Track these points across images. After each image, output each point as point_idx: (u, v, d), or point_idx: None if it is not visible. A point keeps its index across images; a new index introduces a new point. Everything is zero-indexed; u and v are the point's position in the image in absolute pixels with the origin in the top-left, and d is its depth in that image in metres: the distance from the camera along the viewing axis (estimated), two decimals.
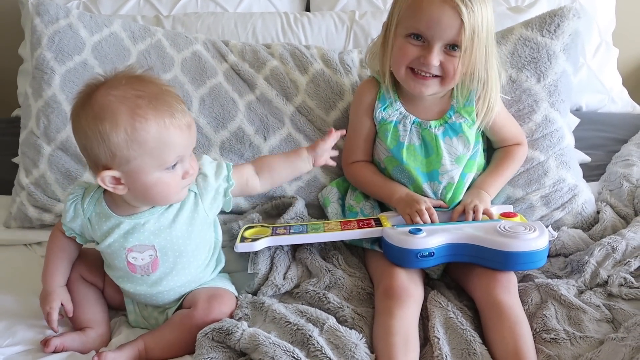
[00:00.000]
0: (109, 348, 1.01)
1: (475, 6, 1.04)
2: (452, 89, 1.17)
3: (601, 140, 1.58)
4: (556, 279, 1.11)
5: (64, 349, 0.99)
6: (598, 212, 1.28)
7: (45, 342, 0.99)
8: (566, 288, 1.07)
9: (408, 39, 1.09)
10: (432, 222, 1.10)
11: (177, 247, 1.01)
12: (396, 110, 1.19)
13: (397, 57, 1.12)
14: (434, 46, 1.07)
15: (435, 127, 1.17)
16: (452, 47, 1.07)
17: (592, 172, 1.44)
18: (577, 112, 1.70)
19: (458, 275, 1.13)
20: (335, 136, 1.12)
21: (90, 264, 1.11)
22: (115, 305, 1.12)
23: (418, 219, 1.10)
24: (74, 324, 1.06)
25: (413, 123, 1.18)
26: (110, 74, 0.94)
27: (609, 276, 1.10)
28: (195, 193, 1.02)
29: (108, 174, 0.91)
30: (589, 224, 1.27)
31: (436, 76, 1.11)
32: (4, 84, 2.11)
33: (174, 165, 0.93)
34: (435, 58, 1.07)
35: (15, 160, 1.55)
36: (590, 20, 1.74)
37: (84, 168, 1.32)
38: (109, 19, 1.43)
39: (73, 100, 0.94)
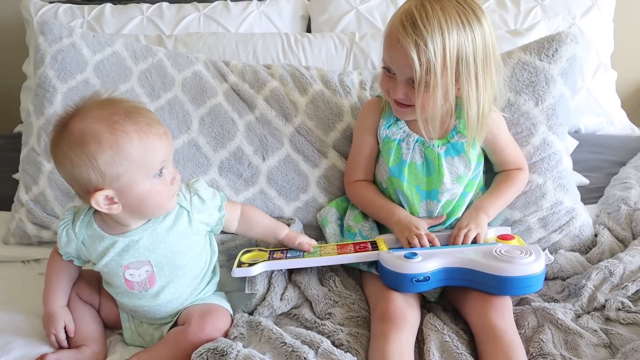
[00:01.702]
0: None
1: (431, 38, 1.02)
2: (457, 109, 1.16)
3: (600, 163, 1.59)
4: (553, 303, 1.10)
5: None
6: (596, 235, 1.28)
7: (41, 358, 0.99)
8: (563, 312, 1.06)
9: (384, 69, 1.13)
10: (433, 245, 1.10)
11: (172, 261, 1.03)
12: (400, 128, 1.21)
13: (380, 84, 1.17)
14: (398, 80, 1.10)
15: (438, 146, 1.18)
16: (413, 81, 1.08)
17: (590, 195, 1.44)
18: (576, 134, 1.71)
19: (453, 299, 1.13)
20: (305, 248, 1.15)
21: (86, 283, 1.12)
22: (111, 324, 1.13)
23: (416, 242, 1.11)
24: (70, 341, 1.06)
25: (416, 141, 1.19)
26: (78, 102, 0.96)
27: (606, 300, 1.09)
28: (188, 211, 1.04)
29: (101, 195, 0.93)
30: (586, 247, 1.26)
31: (411, 105, 1.12)
32: (7, 100, 2.14)
33: (161, 171, 0.96)
34: (399, 91, 1.10)
35: (15, 176, 1.56)
36: (589, 43, 1.76)
37: None
38: (111, 38, 1.44)
39: (49, 135, 0.97)
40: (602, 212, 1.37)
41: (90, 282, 1.13)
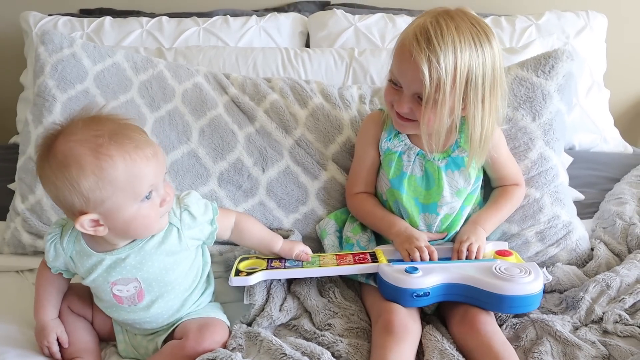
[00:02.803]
0: None
1: (444, 56, 1.03)
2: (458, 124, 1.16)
3: (594, 179, 1.60)
4: (551, 315, 1.11)
5: None
6: (592, 249, 1.29)
7: None
8: (561, 324, 1.07)
9: (390, 82, 1.14)
10: (432, 259, 1.10)
11: (160, 277, 1.01)
12: (401, 141, 1.22)
13: (384, 95, 1.17)
14: (405, 94, 1.10)
15: (439, 160, 1.19)
16: (420, 96, 1.09)
17: (585, 210, 1.46)
18: (570, 150, 1.73)
19: (445, 315, 1.12)
20: (304, 258, 1.14)
21: (78, 296, 1.11)
22: (105, 336, 1.12)
23: (417, 255, 1.11)
24: (64, 354, 1.05)
25: (417, 154, 1.20)
26: (65, 120, 0.93)
27: (604, 313, 1.10)
28: (178, 229, 1.01)
29: (86, 219, 0.90)
30: (583, 261, 1.28)
31: (414, 120, 1.13)
32: (2, 111, 2.13)
33: (150, 194, 0.93)
34: (405, 105, 1.11)
35: (12, 186, 1.55)
36: (582, 62, 1.79)
37: None
38: (112, 49, 1.45)
39: (35, 154, 0.93)
40: (597, 227, 1.38)
41: (82, 295, 1.11)
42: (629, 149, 1.83)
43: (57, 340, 1.04)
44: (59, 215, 1.31)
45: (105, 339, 1.12)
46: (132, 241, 0.99)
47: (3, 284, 1.24)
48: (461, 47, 1.04)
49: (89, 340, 1.08)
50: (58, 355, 1.04)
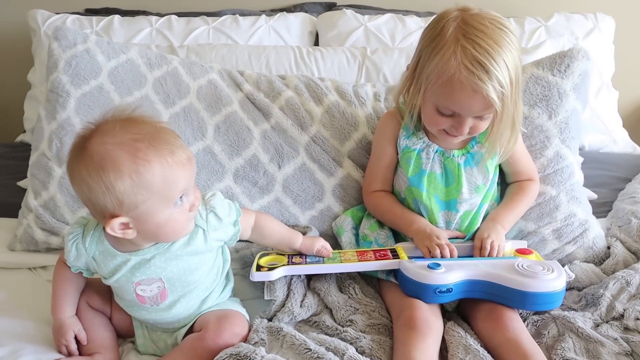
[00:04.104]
0: None
1: (501, 73, 1.02)
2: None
3: (605, 179, 1.61)
4: (572, 312, 1.10)
5: None
6: (608, 248, 1.29)
7: None
8: (583, 321, 1.07)
9: (439, 111, 1.10)
10: (452, 257, 1.10)
11: (184, 277, 1.00)
12: (420, 139, 1.21)
13: (429, 123, 1.14)
14: (465, 119, 1.09)
15: (458, 156, 1.19)
16: (480, 116, 1.09)
17: (598, 209, 1.46)
18: (580, 151, 1.72)
19: (466, 314, 1.12)
20: (325, 254, 1.14)
21: (97, 292, 1.10)
22: (123, 332, 1.10)
23: (438, 252, 1.10)
24: (82, 350, 1.04)
25: (436, 152, 1.20)
26: (99, 119, 0.91)
27: (624, 310, 1.10)
28: (204, 230, 1.01)
29: (117, 222, 0.89)
30: (600, 259, 1.28)
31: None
32: (9, 110, 2.11)
33: (181, 198, 0.92)
34: (467, 128, 1.10)
35: (21, 183, 1.53)
36: (592, 63, 1.79)
37: None
38: (126, 45, 1.45)
39: (68, 154, 0.91)
40: (613, 225, 1.38)
41: (100, 291, 1.10)
42: (637, 150, 1.84)
43: (75, 337, 1.03)
44: (73, 212, 1.30)
45: (124, 335, 1.11)
46: (158, 242, 0.99)
47: (16, 281, 1.23)
48: (506, 57, 1.03)
49: (107, 336, 1.07)
50: (76, 353, 1.02)
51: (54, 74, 1.37)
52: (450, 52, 1.03)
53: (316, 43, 1.93)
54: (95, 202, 0.88)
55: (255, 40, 1.83)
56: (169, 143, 0.90)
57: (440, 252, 1.10)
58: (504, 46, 1.03)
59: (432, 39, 1.07)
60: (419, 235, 1.16)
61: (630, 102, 2.16)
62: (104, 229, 0.98)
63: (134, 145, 0.87)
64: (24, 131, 1.88)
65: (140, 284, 0.99)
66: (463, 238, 1.19)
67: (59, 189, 1.31)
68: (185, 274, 1.00)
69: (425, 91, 1.09)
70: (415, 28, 1.82)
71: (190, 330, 1.04)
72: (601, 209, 1.47)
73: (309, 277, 1.18)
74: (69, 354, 1.03)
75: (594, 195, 1.50)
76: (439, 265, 1.05)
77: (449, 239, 1.17)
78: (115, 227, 0.90)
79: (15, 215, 1.38)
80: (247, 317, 1.08)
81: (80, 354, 1.03)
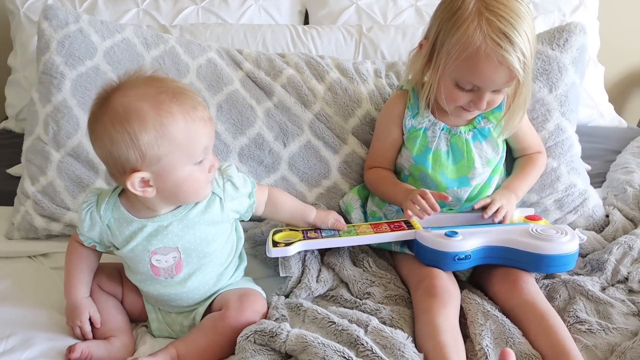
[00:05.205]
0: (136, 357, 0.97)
1: (524, 44, 1.03)
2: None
3: (596, 151, 1.65)
4: (581, 276, 1.14)
5: (90, 355, 0.96)
6: (607, 216, 1.34)
7: (71, 348, 0.95)
8: (591, 284, 1.11)
9: (459, 87, 1.10)
10: (430, 205, 1.09)
11: (200, 248, 0.99)
12: (425, 117, 1.21)
13: (447, 98, 1.13)
14: (485, 93, 1.09)
15: (465, 132, 1.20)
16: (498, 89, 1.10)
17: (592, 180, 1.50)
18: None
19: (480, 279, 1.14)
20: (341, 226, 1.14)
21: (107, 275, 1.08)
22: (135, 316, 1.09)
23: (419, 198, 1.10)
24: (96, 334, 1.02)
25: (442, 129, 1.20)
26: (121, 77, 0.93)
27: (628, 273, 1.15)
28: (221, 198, 1.01)
29: (138, 177, 0.89)
30: (600, 227, 1.32)
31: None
32: None
33: (201, 159, 0.93)
34: (485, 102, 1.10)
35: (11, 170, 1.48)
36: (587, 37, 1.83)
37: (96, 175, 1.28)
38: (120, 25, 1.41)
39: (90, 109, 0.92)
40: (609, 195, 1.43)
41: (111, 274, 1.09)
42: (623, 123, 1.89)
43: (90, 319, 1.01)
44: (73, 197, 1.27)
45: (135, 320, 1.09)
46: (175, 208, 0.98)
47: (18, 270, 1.20)
48: (527, 28, 1.04)
49: (121, 319, 1.05)
50: (90, 335, 1.01)
51: (45, 54, 1.33)
52: (475, 25, 1.03)
53: (306, 22, 1.91)
54: (118, 156, 0.88)
55: (245, 19, 1.80)
56: (192, 98, 0.91)
57: (415, 202, 1.10)
58: (524, 17, 1.04)
59: (453, 13, 1.06)
60: (402, 194, 1.16)
61: (614, 77, 2.21)
62: (119, 195, 0.99)
63: (158, 98, 0.88)
64: (6, 117, 1.82)
65: (156, 252, 0.98)
66: (447, 200, 1.17)
67: (58, 174, 1.27)
68: (202, 244, 0.99)
69: (446, 66, 1.08)
70: (406, 6, 1.82)
71: (209, 310, 1.04)
72: (595, 179, 1.52)
73: (322, 253, 1.18)
74: (83, 336, 1.01)
75: (588, 167, 1.54)
76: (456, 233, 1.06)
77: (449, 208, 1.20)
78: (135, 182, 0.89)
79: (7, 204, 1.34)
80: (264, 294, 1.08)
81: (94, 338, 1.01)
